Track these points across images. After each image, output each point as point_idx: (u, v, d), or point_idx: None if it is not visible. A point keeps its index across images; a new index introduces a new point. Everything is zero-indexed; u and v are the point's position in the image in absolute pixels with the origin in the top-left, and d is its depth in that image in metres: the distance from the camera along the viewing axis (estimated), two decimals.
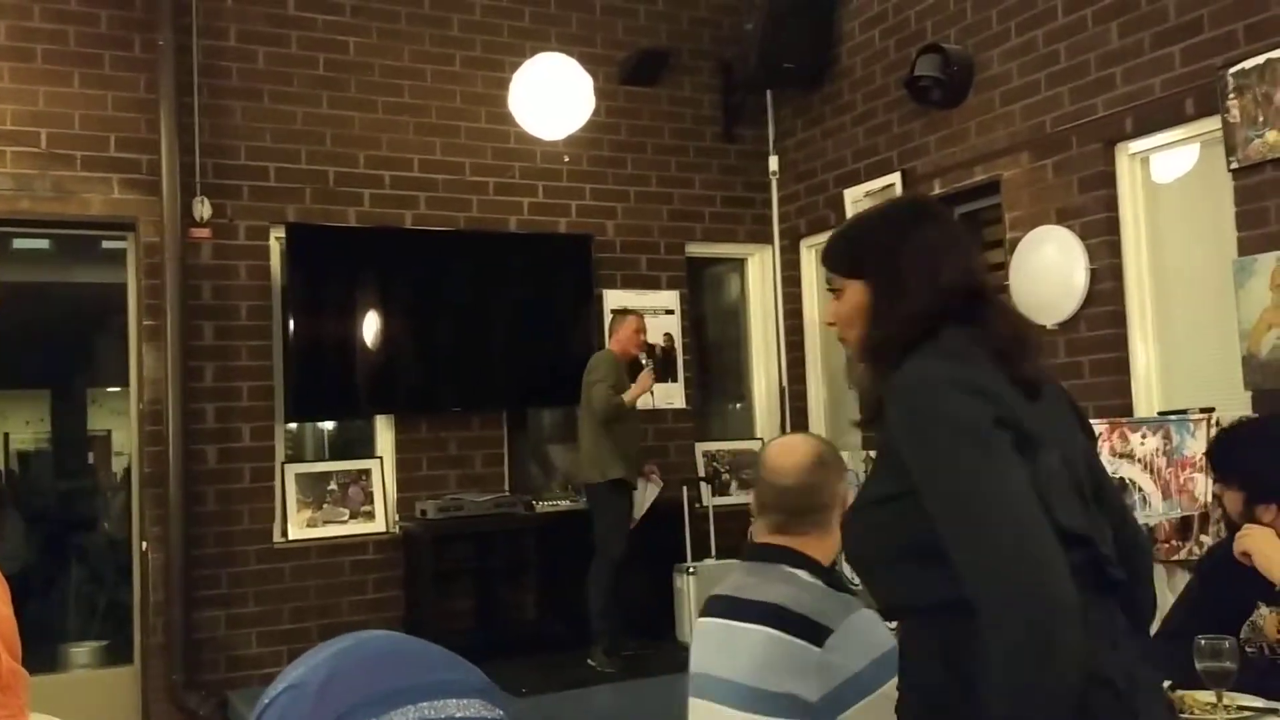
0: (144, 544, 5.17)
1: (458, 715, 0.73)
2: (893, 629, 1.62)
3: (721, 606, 1.85)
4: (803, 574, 1.78)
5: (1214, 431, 3.65)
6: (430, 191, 5.83)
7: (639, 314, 5.75)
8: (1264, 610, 2.22)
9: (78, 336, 6.55)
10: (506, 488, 5.90)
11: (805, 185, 6.44)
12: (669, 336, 6.41)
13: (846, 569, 1.82)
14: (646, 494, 5.70)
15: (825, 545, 1.86)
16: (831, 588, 1.76)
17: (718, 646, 1.80)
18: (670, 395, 6.35)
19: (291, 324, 5.45)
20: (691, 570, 5.80)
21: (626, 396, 5.39)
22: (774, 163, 6.64)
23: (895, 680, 1.54)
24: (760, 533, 1.92)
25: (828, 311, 1.65)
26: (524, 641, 5.40)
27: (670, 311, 6.43)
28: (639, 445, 5.62)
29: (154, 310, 5.20)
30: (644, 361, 5.61)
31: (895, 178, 5.66)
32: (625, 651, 5.31)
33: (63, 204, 5.09)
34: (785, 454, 1.96)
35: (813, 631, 1.63)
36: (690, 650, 1.94)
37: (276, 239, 5.53)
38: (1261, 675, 2.07)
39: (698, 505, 5.95)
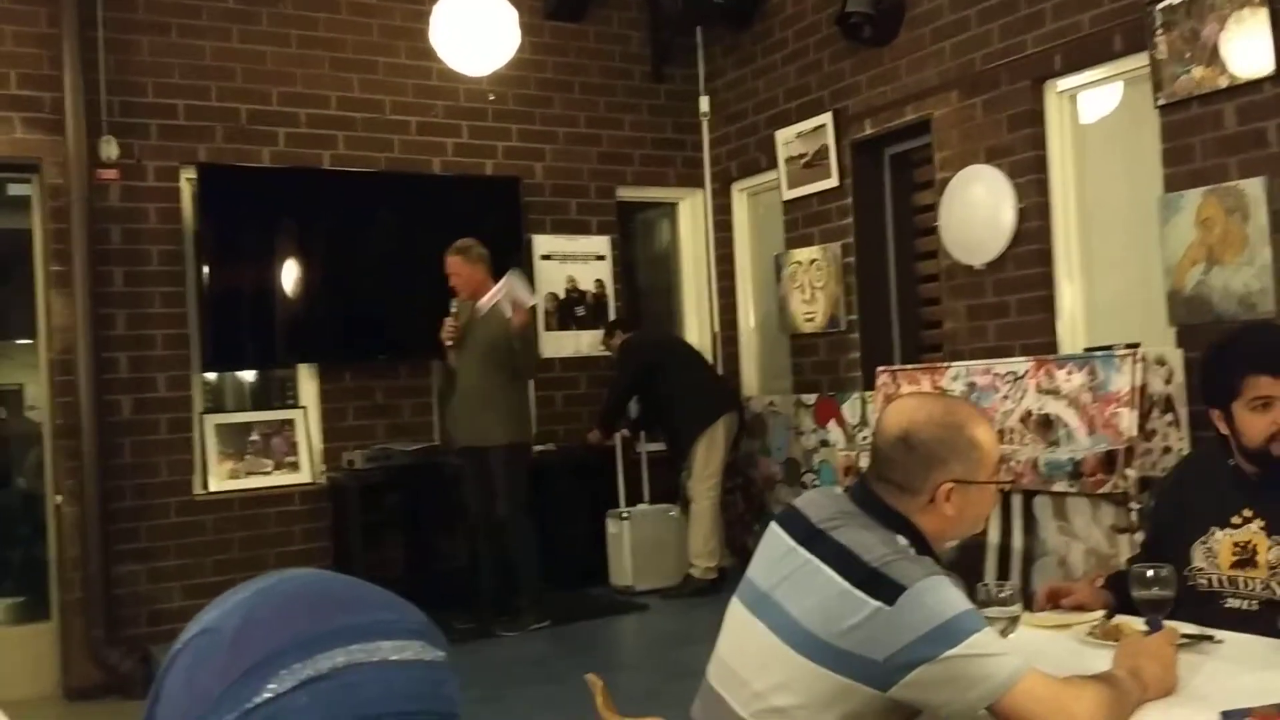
0: (58, 498, 5.00)
1: (393, 658, 0.67)
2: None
3: (804, 531, 1.72)
4: (900, 539, 1.69)
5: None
6: (349, 131, 5.64)
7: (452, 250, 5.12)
8: (1219, 534, 2.12)
9: None
10: (436, 437, 5.80)
11: (736, 127, 6.35)
12: (600, 283, 6.32)
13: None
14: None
15: (932, 517, 1.72)
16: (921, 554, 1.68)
17: (790, 573, 1.70)
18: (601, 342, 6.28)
19: (205, 269, 5.27)
20: (625, 515, 5.78)
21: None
22: (704, 103, 6.53)
23: (960, 646, 1.52)
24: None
25: None
26: (455, 590, 5.34)
27: (601, 257, 6.33)
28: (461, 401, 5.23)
29: (61, 256, 4.98)
30: (452, 310, 5.10)
31: (827, 118, 5.60)
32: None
33: None
34: (889, 414, 1.80)
35: (888, 589, 1.56)
36: (756, 552, 1.82)
37: (188, 180, 5.32)
38: (1199, 606, 2.02)
39: (632, 451, 5.93)
